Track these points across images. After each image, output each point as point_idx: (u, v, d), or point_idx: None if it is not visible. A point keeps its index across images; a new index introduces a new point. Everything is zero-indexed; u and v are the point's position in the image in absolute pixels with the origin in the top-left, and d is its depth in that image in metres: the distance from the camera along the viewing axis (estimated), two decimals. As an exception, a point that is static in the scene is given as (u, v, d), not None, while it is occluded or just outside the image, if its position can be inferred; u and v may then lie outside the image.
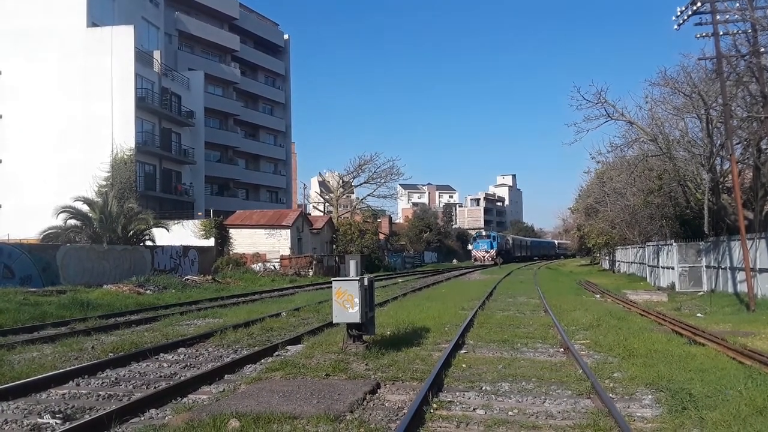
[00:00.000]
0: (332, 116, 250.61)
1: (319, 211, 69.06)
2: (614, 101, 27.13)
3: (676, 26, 19.57)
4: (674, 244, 26.88)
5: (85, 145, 39.31)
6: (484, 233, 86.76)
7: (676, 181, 27.69)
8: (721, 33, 18.95)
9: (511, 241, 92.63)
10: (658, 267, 30.36)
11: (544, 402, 7.22)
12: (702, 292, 23.89)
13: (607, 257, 57.99)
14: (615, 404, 6.77)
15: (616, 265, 49.80)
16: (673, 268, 26.77)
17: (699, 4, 18.56)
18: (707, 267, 24.91)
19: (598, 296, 23.86)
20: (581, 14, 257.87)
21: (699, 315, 17.01)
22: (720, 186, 24.74)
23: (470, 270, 54.87)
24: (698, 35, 19.30)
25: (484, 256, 77.22)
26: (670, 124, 27.15)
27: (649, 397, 7.39)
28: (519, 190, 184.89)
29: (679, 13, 19.38)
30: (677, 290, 25.49)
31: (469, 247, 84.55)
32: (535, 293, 24.03)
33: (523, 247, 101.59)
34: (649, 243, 34.04)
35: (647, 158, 28.39)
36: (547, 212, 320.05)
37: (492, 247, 77.65)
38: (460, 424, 6.36)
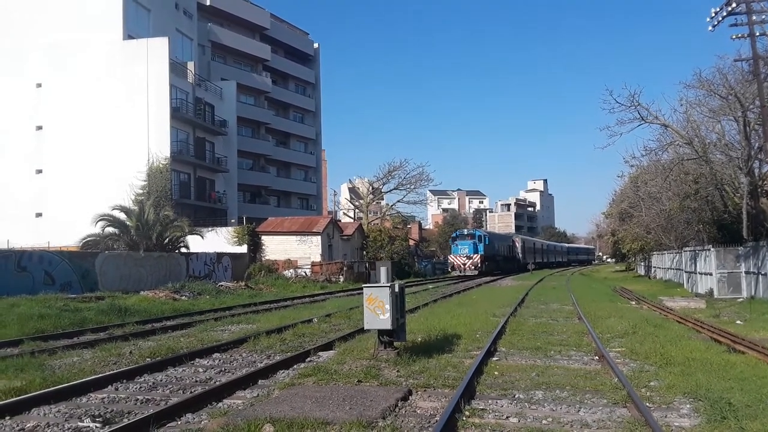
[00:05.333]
0: (362, 123, 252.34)
1: (349, 217, 69.43)
2: (648, 104, 26.76)
3: (710, 27, 19.25)
4: (712, 249, 26.24)
5: (122, 154, 40.29)
6: (466, 232, 61.22)
7: (713, 185, 27.10)
8: (758, 34, 18.57)
9: (520, 244, 70.96)
10: (695, 273, 29.68)
11: (578, 411, 7.13)
12: (741, 299, 23.28)
13: (642, 263, 56.89)
14: (652, 413, 6.65)
15: (652, 271, 48.82)
16: (711, 274, 26.14)
17: (734, 4, 18.22)
18: (746, 273, 24.25)
19: (633, 303, 23.44)
20: (614, 16, 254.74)
21: (738, 322, 16.58)
22: (759, 189, 24.16)
23: (501, 276, 54.35)
24: (734, 36, 18.94)
25: (464, 264, 55.37)
26: (706, 126, 26.69)
27: (687, 406, 7.24)
28: (551, 195, 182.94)
29: (713, 14, 19.05)
30: (716, 297, 24.87)
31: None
32: (569, 300, 23.70)
33: (539, 252, 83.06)
34: (686, 248, 33.32)
35: (683, 162, 27.88)
36: (580, 217, 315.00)
37: (476, 251, 55.65)
38: (493, 432, 6.34)
